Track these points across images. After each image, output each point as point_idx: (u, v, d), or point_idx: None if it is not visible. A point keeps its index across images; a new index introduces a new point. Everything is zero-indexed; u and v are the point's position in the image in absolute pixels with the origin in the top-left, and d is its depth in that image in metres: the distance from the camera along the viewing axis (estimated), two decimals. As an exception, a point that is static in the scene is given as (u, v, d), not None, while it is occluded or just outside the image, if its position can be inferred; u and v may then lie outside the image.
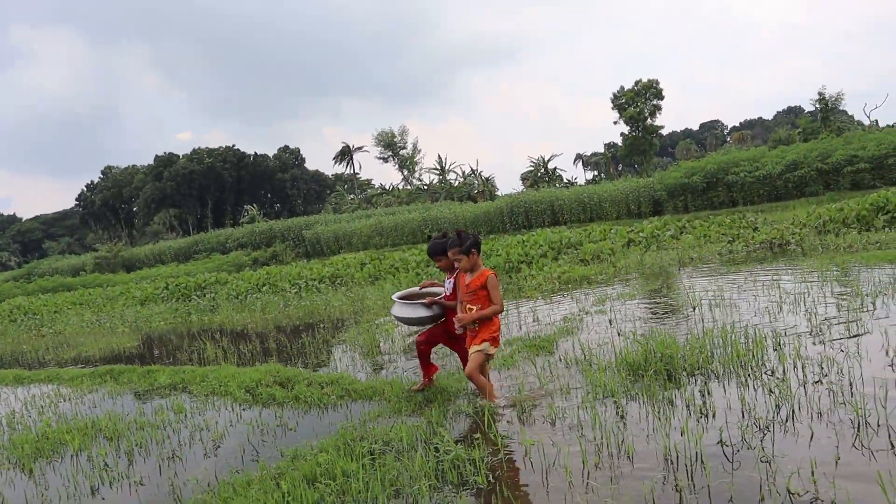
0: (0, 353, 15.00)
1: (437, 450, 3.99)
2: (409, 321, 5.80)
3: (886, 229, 14.37)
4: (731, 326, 6.33)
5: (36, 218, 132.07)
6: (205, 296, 20.66)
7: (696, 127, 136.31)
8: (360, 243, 44.84)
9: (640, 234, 17.75)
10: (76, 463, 5.45)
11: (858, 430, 3.80)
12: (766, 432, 3.92)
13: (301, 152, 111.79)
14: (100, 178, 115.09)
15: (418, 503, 3.50)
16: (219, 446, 5.35)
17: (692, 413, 4.39)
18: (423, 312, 5.69)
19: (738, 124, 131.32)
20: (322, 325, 11.83)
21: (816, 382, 4.69)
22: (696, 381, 5.07)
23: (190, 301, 20.16)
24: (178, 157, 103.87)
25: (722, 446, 3.81)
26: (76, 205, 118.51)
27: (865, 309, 6.77)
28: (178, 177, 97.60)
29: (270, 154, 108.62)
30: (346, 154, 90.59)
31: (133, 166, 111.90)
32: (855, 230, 14.87)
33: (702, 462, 3.60)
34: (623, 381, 5.17)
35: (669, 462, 3.68)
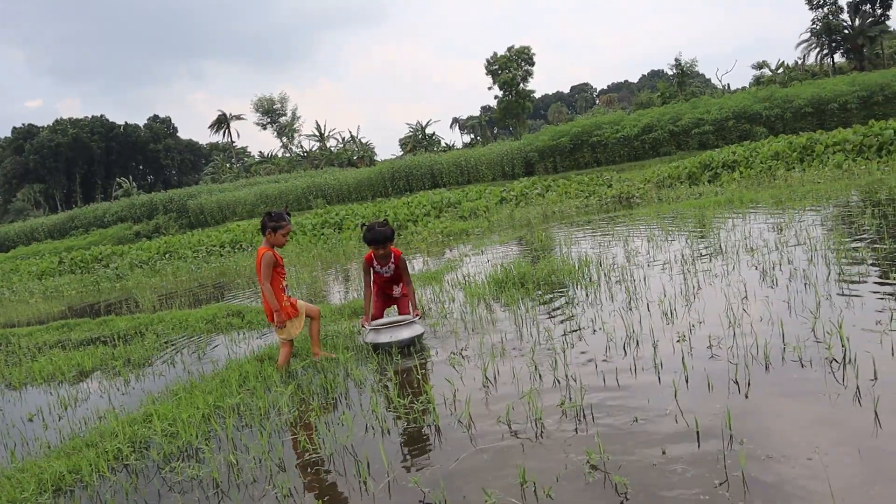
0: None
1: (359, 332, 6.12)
2: (388, 346, 5.69)
3: (709, 183, 17.53)
4: (569, 255, 8.79)
5: None
6: (107, 266, 21.56)
7: (567, 90, 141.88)
8: (244, 212, 45.35)
9: (511, 193, 20.34)
10: (91, 381, 7.18)
11: (629, 299, 6.23)
12: (576, 307, 6.31)
13: (172, 121, 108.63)
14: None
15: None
16: (205, 353, 7.25)
17: (534, 301, 6.74)
18: (405, 333, 5.71)
19: (606, 87, 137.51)
20: (238, 280, 13.60)
21: (618, 282, 7.13)
22: (539, 287, 7.44)
23: (91, 272, 21.02)
24: (40, 128, 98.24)
25: (549, 313, 6.19)
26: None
27: (669, 241, 9.40)
28: (41, 150, 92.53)
29: (140, 124, 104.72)
30: (222, 122, 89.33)
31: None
32: (686, 184, 17.97)
33: (536, 321, 5.95)
34: (491, 291, 7.47)
35: (518, 324, 6.00)
